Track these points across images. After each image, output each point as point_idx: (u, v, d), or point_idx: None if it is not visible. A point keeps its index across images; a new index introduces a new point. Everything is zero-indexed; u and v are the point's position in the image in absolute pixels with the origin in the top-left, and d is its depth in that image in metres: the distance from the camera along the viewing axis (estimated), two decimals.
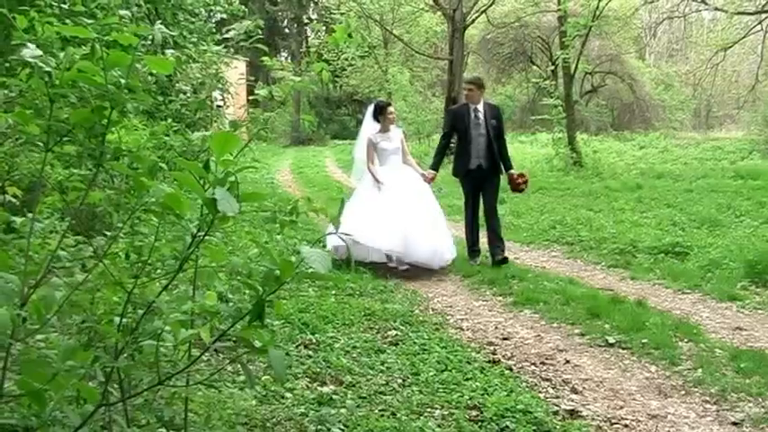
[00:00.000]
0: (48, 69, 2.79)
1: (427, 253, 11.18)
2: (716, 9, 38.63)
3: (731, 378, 6.46)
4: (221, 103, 15.15)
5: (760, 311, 8.71)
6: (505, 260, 11.48)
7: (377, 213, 11.07)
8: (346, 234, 8.71)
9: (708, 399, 6.07)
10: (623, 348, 7.40)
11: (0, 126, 3.38)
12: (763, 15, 33.02)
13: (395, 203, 11.20)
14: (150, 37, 3.22)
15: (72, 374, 2.67)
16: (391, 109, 12.21)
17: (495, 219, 11.88)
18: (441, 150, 12.46)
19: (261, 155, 21.33)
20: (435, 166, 12.36)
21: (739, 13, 32.88)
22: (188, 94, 11.89)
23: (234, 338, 2.91)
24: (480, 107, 11.85)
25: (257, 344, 2.73)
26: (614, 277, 10.78)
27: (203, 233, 2.82)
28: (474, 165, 11.75)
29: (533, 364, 6.99)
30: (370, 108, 12.31)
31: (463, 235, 12.27)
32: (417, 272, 11.26)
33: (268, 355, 2.70)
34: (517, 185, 12.12)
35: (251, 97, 3.76)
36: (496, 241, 11.68)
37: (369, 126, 12.10)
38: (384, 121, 11.86)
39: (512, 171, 12.04)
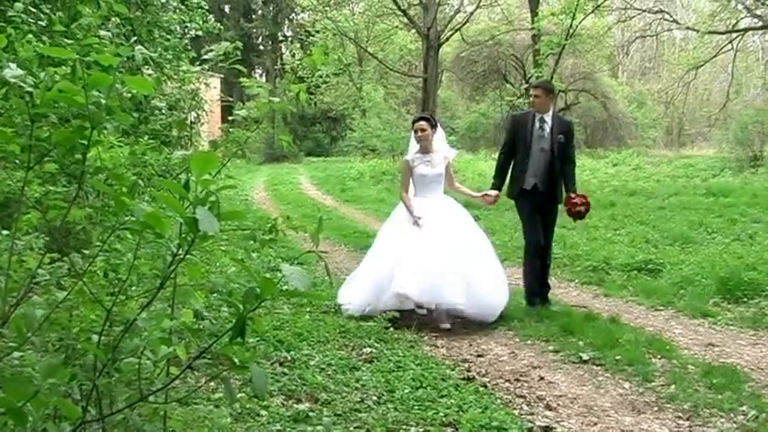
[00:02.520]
0: (28, 89, 2.81)
1: (477, 305, 9.00)
2: (687, 28, 39.18)
3: (703, 394, 6.52)
4: (195, 121, 15.14)
5: (731, 327, 8.80)
6: (547, 303, 9.76)
7: (409, 255, 9.13)
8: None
9: (680, 415, 6.13)
10: (597, 365, 7.44)
11: None
12: (734, 35, 33.48)
13: (434, 243, 9.13)
14: (131, 56, 3.25)
15: (53, 392, 2.68)
16: (423, 125, 9.82)
17: (548, 254, 10.18)
18: (502, 165, 10.20)
19: (235, 172, 21.30)
20: (498, 185, 10.20)
21: (710, 33, 33.26)
22: (163, 111, 11.84)
23: (211, 356, 2.92)
24: (548, 118, 9.83)
25: (237, 361, 2.75)
26: (588, 294, 10.85)
27: (184, 252, 2.83)
28: (529, 184, 9.76)
29: (508, 380, 7.03)
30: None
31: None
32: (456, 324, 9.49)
33: (248, 371, 2.72)
34: (575, 209, 9.72)
35: (230, 117, 3.78)
36: (545, 279, 10.06)
37: (411, 145, 10.13)
38: (416, 138, 9.80)
39: (571, 193, 9.80)
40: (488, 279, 9.29)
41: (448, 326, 8.99)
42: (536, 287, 9.82)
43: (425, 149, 9.75)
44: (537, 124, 9.80)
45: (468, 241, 9.52)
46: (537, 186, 9.76)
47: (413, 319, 9.11)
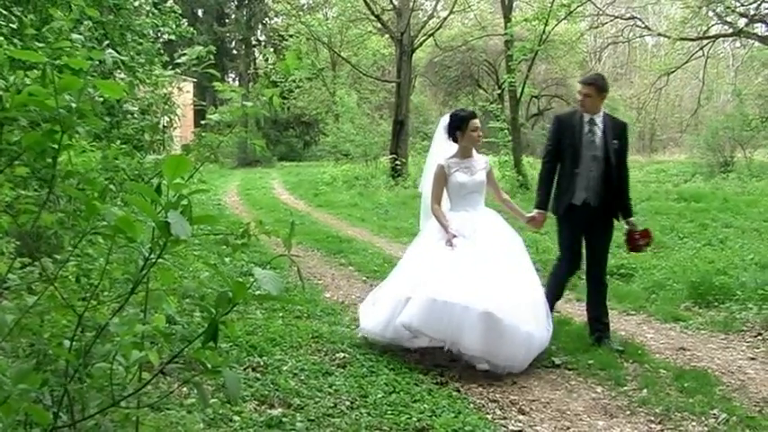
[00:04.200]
0: None
1: (521, 347, 7.39)
2: (659, 35, 39.44)
3: (675, 398, 6.58)
4: (168, 125, 15.07)
5: (703, 332, 8.86)
6: (606, 340, 8.24)
7: (431, 279, 7.62)
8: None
9: (652, 418, 6.17)
10: (570, 369, 7.48)
11: None
12: (705, 42, 33.72)
13: (466, 268, 7.57)
14: (102, 60, 3.23)
15: (24, 398, 2.66)
16: (477, 122, 8.33)
17: (603, 282, 8.67)
18: (546, 176, 8.57)
19: (208, 176, 21.23)
20: (543, 202, 8.55)
21: (681, 39, 33.46)
22: (135, 115, 11.78)
23: (183, 361, 2.91)
24: (599, 119, 8.30)
25: (209, 365, 2.74)
26: (560, 299, 10.89)
27: (156, 256, 2.82)
28: (579, 199, 8.27)
29: (480, 385, 7.04)
30: (444, 121, 8.65)
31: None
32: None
33: (221, 376, 2.72)
34: (636, 245, 8.65)
35: (203, 121, 3.77)
36: (601, 314, 8.50)
37: (440, 147, 8.58)
38: (464, 140, 8.25)
39: (632, 221, 8.55)
40: (527, 323, 7.46)
41: (486, 366, 7.40)
42: (556, 300, 8.79)
43: (466, 153, 8.29)
44: (586, 127, 8.27)
45: (512, 271, 7.83)
46: (588, 202, 8.26)
47: (441, 356, 7.80)
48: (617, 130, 8.40)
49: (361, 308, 8.76)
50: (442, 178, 8.22)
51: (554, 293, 8.67)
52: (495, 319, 7.23)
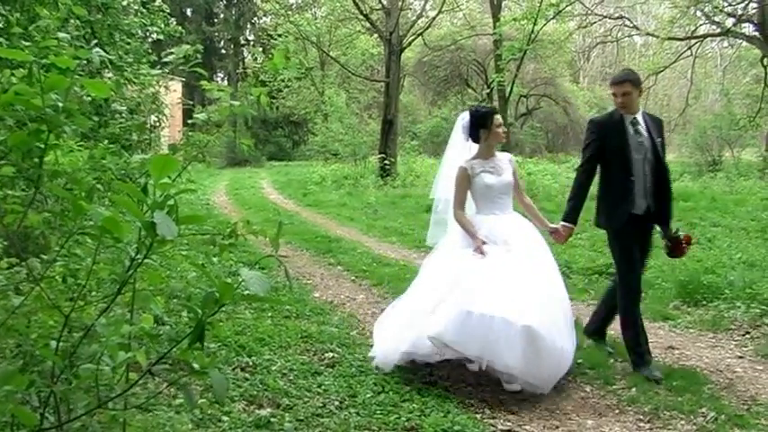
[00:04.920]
0: None
1: (537, 372, 6.70)
2: (647, 34, 39.57)
3: (664, 396, 6.58)
4: (156, 124, 15.04)
5: (691, 330, 8.87)
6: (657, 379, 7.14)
7: (461, 290, 6.92)
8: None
9: (641, 417, 6.18)
10: None
11: None
12: (693, 41, 33.84)
13: (498, 278, 6.90)
14: (88, 59, 3.22)
15: (10, 399, 2.65)
16: (499, 119, 7.76)
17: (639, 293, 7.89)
18: (580, 188, 7.79)
19: (196, 176, 21.18)
20: (573, 215, 7.82)
21: (670, 39, 33.56)
22: (123, 115, 11.75)
23: (171, 361, 2.90)
24: (640, 118, 7.64)
25: (196, 366, 2.73)
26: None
27: (142, 256, 2.81)
28: (640, 207, 7.50)
29: (470, 384, 7.02)
30: (463, 119, 7.86)
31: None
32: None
33: (208, 377, 2.71)
34: (682, 251, 7.82)
35: (190, 121, 3.76)
36: (639, 336, 7.57)
37: (459, 147, 7.92)
38: (489, 138, 7.60)
39: (673, 228, 7.77)
40: (561, 338, 6.87)
41: (518, 387, 6.78)
42: (643, 341, 7.49)
43: (489, 153, 7.66)
44: (630, 128, 7.55)
45: (544, 280, 7.19)
46: (650, 209, 7.54)
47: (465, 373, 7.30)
48: (657, 127, 7.78)
49: (375, 332, 7.88)
50: (465, 181, 7.52)
51: (638, 336, 7.47)
52: (536, 334, 6.53)
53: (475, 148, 7.73)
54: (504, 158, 7.73)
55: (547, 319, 6.71)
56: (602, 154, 7.63)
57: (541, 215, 8.06)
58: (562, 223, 7.80)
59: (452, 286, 6.99)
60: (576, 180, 7.87)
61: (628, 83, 7.62)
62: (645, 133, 7.57)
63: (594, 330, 8.18)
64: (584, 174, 7.77)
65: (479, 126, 7.62)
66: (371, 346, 7.60)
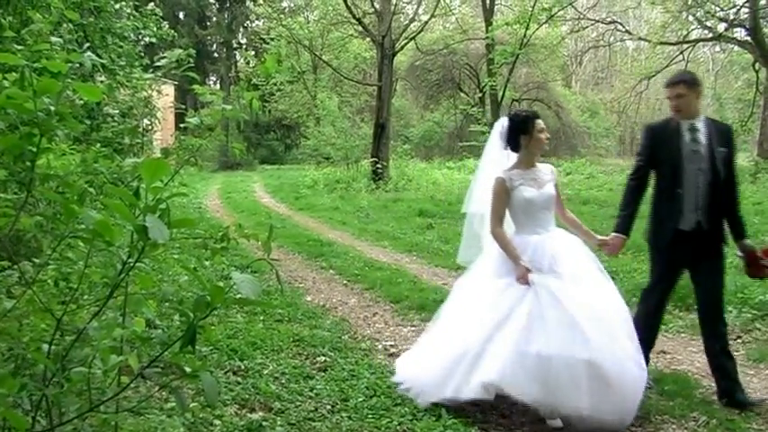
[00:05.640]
0: None
1: (610, 407, 5.93)
2: (640, 39, 39.68)
3: (655, 401, 6.59)
4: (148, 128, 15.05)
5: (683, 335, 8.89)
6: (752, 404, 6.63)
7: (512, 327, 6.12)
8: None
9: (633, 421, 6.16)
10: None
11: None
12: (685, 46, 33.94)
13: (553, 310, 6.09)
14: (81, 62, 3.22)
15: (1, 402, 2.65)
16: (542, 123, 6.80)
17: (722, 323, 7.01)
18: (632, 197, 7.10)
19: (188, 179, 21.17)
20: (625, 226, 7.09)
21: (662, 44, 33.68)
22: (115, 118, 11.73)
23: (163, 365, 2.91)
24: (700, 124, 6.83)
25: (188, 369, 2.74)
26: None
27: (134, 260, 2.82)
28: (689, 224, 6.76)
29: None
30: (501, 125, 6.95)
31: None
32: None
33: (199, 380, 2.71)
34: (763, 269, 6.94)
35: (182, 125, 3.77)
36: (729, 368, 6.85)
37: (496, 156, 7.03)
38: (530, 145, 6.71)
39: (748, 243, 6.98)
40: (630, 362, 6.12)
41: (559, 424, 6.08)
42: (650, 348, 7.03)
43: (530, 162, 6.76)
44: (686, 135, 6.79)
45: (601, 305, 6.32)
46: (700, 224, 6.75)
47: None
48: (723, 136, 6.89)
49: (400, 362, 7.36)
50: (503, 194, 6.60)
51: (646, 330, 6.88)
52: (601, 366, 5.87)
53: (514, 157, 6.84)
54: (545, 169, 6.84)
55: (611, 347, 6.01)
56: (654, 162, 7.00)
57: (586, 227, 7.20)
58: (613, 234, 7.06)
59: (501, 324, 6.17)
60: (626, 189, 7.21)
61: (682, 84, 6.85)
62: (704, 141, 6.76)
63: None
64: (635, 182, 7.12)
65: (519, 132, 6.71)
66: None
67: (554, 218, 6.83)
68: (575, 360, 5.84)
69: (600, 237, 7.11)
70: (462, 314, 6.67)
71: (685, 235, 6.74)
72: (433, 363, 6.56)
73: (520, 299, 6.22)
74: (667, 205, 6.84)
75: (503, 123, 6.92)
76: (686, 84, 6.81)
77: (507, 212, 6.70)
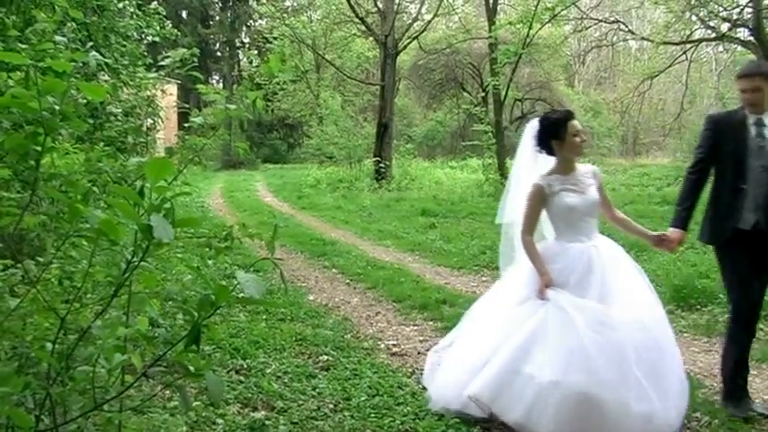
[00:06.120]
0: None
1: (656, 425, 5.53)
2: (643, 39, 39.59)
3: None
4: (152, 127, 15.04)
5: (685, 335, 8.86)
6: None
7: (510, 339, 5.81)
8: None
9: None
10: None
11: None
12: (688, 46, 33.88)
13: (569, 335, 5.56)
14: (85, 61, 3.23)
15: (5, 401, 2.65)
16: (577, 125, 6.18)
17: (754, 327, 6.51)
18: (691, 190, 6.58)
19: (191, 178, 21.16)
20: (682, 220, 6.58)
21: (665, 43, 33.60)
22: (119, 117, 11.73)
23: (166, 364, 2.91)
24: (767, 119, 6.27)
25: (192, 368, 2.74)
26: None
27: (138, 259, 2.82)
28: (747, 222, 6.27)
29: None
30: (532, 127, 6.46)
31: None
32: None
33: (203, 379, 2.71)
34: None
35: (186, 124, 3.77)
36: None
37: (528, 161, 6.56)
38: (565, 148, 6.14)
39: None
40: (637, 408, 5.45)
41: None
42: (744, 374, 6.43)
43: (569, 167, 6.22)
44: (753, 130, 6.27)
45: (650, 320, 5.92)
46: (760, 224, 6.23)
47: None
48: None
49: (427, 363, 7.08)
50: (539, 201, 6.12)
51: (736, 366, 6.38)
52: (598, 404, 5.38)
53: (551, 161, 6.30)
54: (587, 172, 6.31)
55: (618, 385, 5.41)
56: (715, 156, 6.47)
57: (640, 226, 6.79)
58: (671, 229, 6.54)
59: (506, 338, 5.85)
60: (685, 183, 6.68)
61: (759, 77, 6.21)
62: None
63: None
64: (695, 176, 6.56)
65: (551, 135, 6.18)
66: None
67: (597, 225, 6.32)
68: (570, 391, 5.38)
69: (655, 233, 6.68)
70: (481, 324, 6.38)
71: (743, 234, 6.25)
72: (447, 374, 6.36)
73: (530, 315, 5.83)
74: (727, 202, 6.33)
75: (533, 126, 6.43)
76: (765, 77, 6.20)
77: (547, 219, 6.31)
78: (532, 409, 5.49)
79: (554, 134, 6.15)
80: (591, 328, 5.54)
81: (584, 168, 6.31)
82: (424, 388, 6.68)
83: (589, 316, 5.61)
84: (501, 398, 5.70)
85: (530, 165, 6.50)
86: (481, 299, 6.84)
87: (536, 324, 5.75)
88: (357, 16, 33.67)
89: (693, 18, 32.71)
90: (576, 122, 6.16)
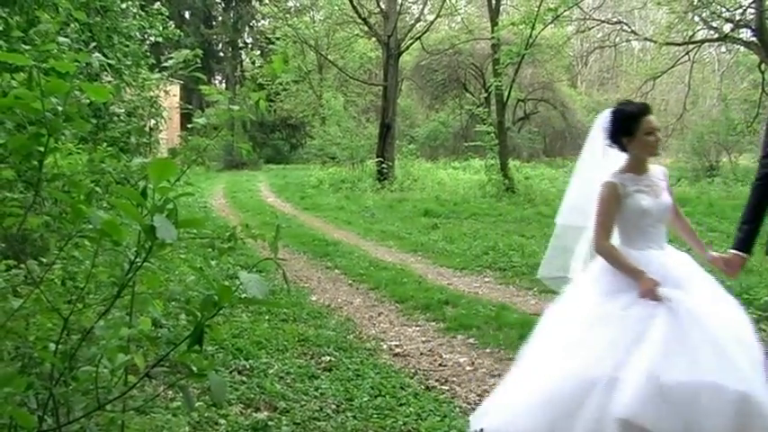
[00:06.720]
0: None
1: None
2: (645, 39, 39.61)
3: None
4: (154, 128, 15.06)
5: None
6: None
7: (645, 355, 4.80)
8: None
9: None
10: None
11: None
12: (691, 46, 33.87)
13: (684, 337, 4.86)
14: (88, 62, 3.23)
15: (9, 401, 2.66)
16: (653, 121, 5.42)
17: None
18: (757, 205, 5.64)
19: (194, 178, 21.14)
20: (747, 243, 5.67)
21: (668, 44, 33.58)
22: (122, 118, 11.75)
23: (169, 364, 2.92)
24: None
25: (195, 369, 2.75)
26: (546, 303, 10.77)
27: (141, 260, 2.82)
28: None
29: (467, 389, 7.03)
30: (603, 118, 5.65)
31: None
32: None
33: (206, 379, 2.72)
34: None
35: (189, 124, 3.77)
36: None
37: (596, 156, 5.84)
38: (637, 146, 5.40)
39: None
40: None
41: None
42: None
43: (642, 166, 5.50)
44: None
45: (741, 329, 5.14)
46: None
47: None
48: None
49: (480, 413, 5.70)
50: (614, 202, 5.36)
51: None
52: (753, 403, 4.69)
53: (622, 157, 5.57)
54: (658, 173, 5.64)
55: (760, 379, 4.81)
56: None
57: (700, 239, 6.16)
58: (733, 251, 5.66)
59: (630, 349, 4.89)
60: (750, 197, 5.72)
61: None
62: None
63: None
64: (762, 189, 5.61)
65: (622, 130, 5.46)
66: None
67: (665, 233, 5.62)
68: (727, 392, 4.64)
69: (714, 253, 5.84)
70: (574, 344, 5.20)
71: None
72: (537, 403, 5.12)
73: (649, 318, 4.98)
74: None
75: (604, 117, 5.67)
76: None
77: (625, 224, 5.48)
78: (690, 421, 4.71)
79: (625, 129, 5.43)
80: (719, 324, 4.95)
81: (655, 169, 5.64)
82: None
83: (710, 312, 5.01)
84: (658, 414, 4.74)
85: (597, 161, 5.80)
86: (547, 323, 5.63)
87: (665, 326, 4.91)
88: (360, 17, 33.69)
89: (696, 19, 32.69)
90: (651, 118, 5.45)
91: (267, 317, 9.10)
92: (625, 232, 5.45)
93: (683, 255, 5.54)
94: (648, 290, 5.03)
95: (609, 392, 4.77)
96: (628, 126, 5.37)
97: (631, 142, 5.38)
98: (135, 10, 14.08)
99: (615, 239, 5.48)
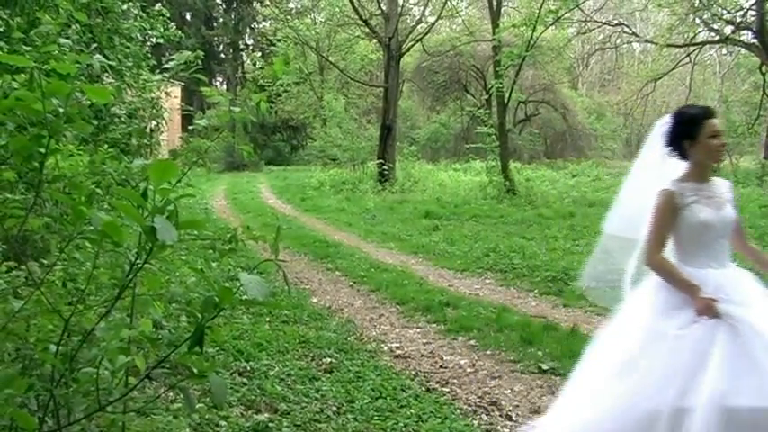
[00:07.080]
0: None
1: None
2: (646, 41, 39.69)
3: None
4: (155, 129, 15.06)
5: None
6: None
7: (716, 375, 4.35)
8: None
9: None
10: (556, 375, 7.45)
11: None
12: (691, 48, 33.91)
13: (762, 347, 4.41)
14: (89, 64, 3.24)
15: (10, 403, 2.66)
16: (716, 124, 4.97)
17: None
18: None
19: (195, 180, 21.16)
20: None
21: (669, 46, 33.64)
22: (123, 119, 11.75)
23: (170, 365, 2.91)
24: None
25: (195, 370, 2.75)
26: (547, 304, 10.86)
27: (142, 261, 2.82)
28: None
29: (467, 390, 7.03)
30: (663, 124, 5.17)
31: None
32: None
33: (207, 381, 2.72)
34: None
35: (190, 127, 3.78)
36: None
37: (656, 162, 5.26)
38: (699, 151, 4.91)
39: None
40: None
41: None
42: None
43: (704, 175, 5.01)
44: None
45: None
46: None
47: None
48: None
49: None
50: (670, 212, 4.90)
51: None
52: None
53: (682, 165, 5.09)
54: (723, 185, 5.10)
55: None
56: None
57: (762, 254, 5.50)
58: None
59: (693, 373, 4.45)
60: None
61: None
62: None
63: None
64: None
65: (683, 136, 4.99)
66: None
67: (728, 248, 5.09)
68: None
69: None
70: (628, 368, 4.74)
71: None
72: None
73: (710, 338, 4.53)
74: None
75: (665, 121, 5.22)
76: None
77: (682, 237, 4.99)
78: None
79: (688, 133, 4.97)
80: None
81: (720, 182, 5.12)
82: None
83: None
84: None
85: (655, 169, 5.29)
86: (600, 345, 5.17)
87: (728, 346, 4.47)
88: (361, 18, 33.70)
89: (697, 21, 32.76)
90: (715, 121, 5.01)
91: (268, 318, 9.10)
92: (681, 247, 5.01)
93: (745, 273, 5.00)
94: (706, 306, 4.60)
95: (675, 425, 4.38)
96: (690, 129, 4.97)
97: (694, 146, 4.96)
98: (136, 11, 14.08)
99: (670, 256, 5.03)
